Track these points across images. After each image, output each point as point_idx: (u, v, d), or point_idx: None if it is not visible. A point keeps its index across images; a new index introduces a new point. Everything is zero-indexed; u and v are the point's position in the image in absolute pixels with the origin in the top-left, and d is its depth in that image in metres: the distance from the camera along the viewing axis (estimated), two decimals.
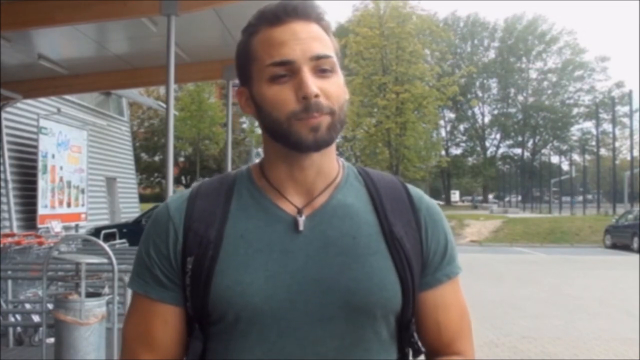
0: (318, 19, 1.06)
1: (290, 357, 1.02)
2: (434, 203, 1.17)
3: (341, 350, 1.03)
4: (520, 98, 60.20)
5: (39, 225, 11.83)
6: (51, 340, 4.93)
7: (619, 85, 55.44)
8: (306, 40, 1.03)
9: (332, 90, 1.03)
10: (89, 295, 4.43)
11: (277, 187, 1.09)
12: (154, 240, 1.10)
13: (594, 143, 45.00)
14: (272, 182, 1.09)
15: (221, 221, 1.06)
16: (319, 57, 1.02)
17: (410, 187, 1.17)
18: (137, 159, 28.86)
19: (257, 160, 1.17)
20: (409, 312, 1.09)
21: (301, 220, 1.06)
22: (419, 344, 1.12)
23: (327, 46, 1.05)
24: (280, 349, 1.02)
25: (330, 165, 1.10)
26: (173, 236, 1.08)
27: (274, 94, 1.02)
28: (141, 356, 1.08)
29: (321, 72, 1.03)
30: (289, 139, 1.03)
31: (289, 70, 1.02)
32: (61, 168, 13.12)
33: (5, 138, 11.84)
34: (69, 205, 13.52)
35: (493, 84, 59.91)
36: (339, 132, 1.06)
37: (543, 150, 59.35)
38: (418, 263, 1.09)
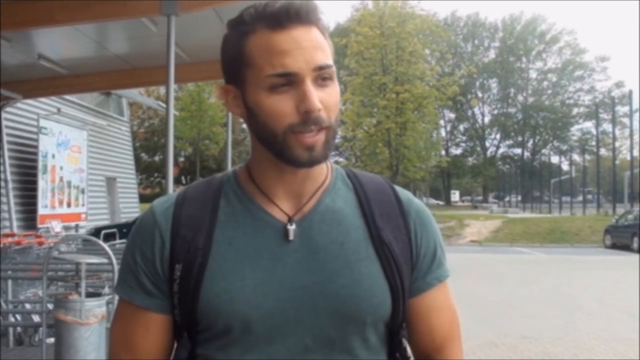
0: (317, 22, 1.02)
1: None
2: (424, 206, 1.16)
3: (331, 358, 1.02)
4: (520, 98, 60.25)
5: (39, 225, 11.83)
6: (51, 340, 4.93)
7: (619, 85, 55.53)
8: (309, 49, 0.99)
9: (331, 101, 1.01)
10: (89, 295, 4.42)
11: (265, 191, 1.07)
12: (139, 246, 1.08)
13: (594, 143, 45.02)
14: (261, 187, 1.07)
15: (209, 227, 1.05)
16: (321, 68, 0.99)
17: (399, 189, 1.15)
18: (137, 159, 28.85)
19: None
20: (399, 318, 1.08)
21: (292, 229, 1.04)
22: (408, 350, 1.12)
23: (327, 54, 1.02)
24: (270, 357, 1.01)
25: (320, 170, 1.09)
26: (159, 242, 1.06)
27: (272, 104, 0.99)
28: None
29: (322, 82, 1.00)
30: (282, 153, 1.01)
31: (290, 81, 0.98)
32: (61, 168, 13.12)
33: (5, 138, 11.84)
34: (69, 205, 13.52)
35: (493, 84, 59.98)
36: (333, 147, 1.04)
37: (543, 150, 59.39)
38: (408, 267, 1.08)
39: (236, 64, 1.03)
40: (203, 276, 1.01)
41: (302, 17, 0.99)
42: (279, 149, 1.01)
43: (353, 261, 1.04)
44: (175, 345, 1.09)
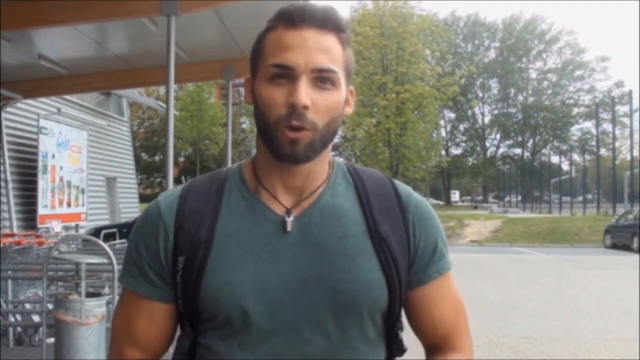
0: (337, 30, 1.05)
1: (279, 357, 1.03)
2: (423, 200, 1.17)
3: (329, 350, 1.04)
4: (520, 98, 60.22)
5: (39, 225, 11.83)
6: (51, 340, 4.92)
7: (618, 85, 55.52)
8: (312, 49, 1.02)
9: (325, 104, 1.02)
10: (89, 295, 4.42)
11: (268, 187, 1.09)
12: (144, 237, 1.10)
13: (594, 143, 45.00)
14: (264, 182, 1.10)
15: (212, 221, 1.07)
16: (321, 70, 1.02)
17: (399, 184, 1.16)
18: (137, 159, 28.83)
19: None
20: (396, 311, 1.10)
21: (289, 220, 1.06)
22: (403, 342, 1.14)
23: (334, 59, 1.04)
24: (269, 349, 1.03)
25: (322, 169, 1.11)
26: (163, 235, 1.08)
27: (268, 94, 1.03)
28: (125, 349, 1.12)
29: (321, 84, 1.02)
30: (272, 145, 1.04)
31: (289, 76, 1.02)
32: (61, 168, 13.12)
33: (5, 138, 11.83)
34: (69, 205, 13.52)
35: (493, 84, 59.95)
36: (319, 151, 1.05)
37: (543, 150, 59.37)
38: (405, 261, 1.10)
39: (255, 55, 1.08)
40: (205, 269, 1.04)
41: (316, 19, 1.03)
42: (270, 140, 1.04)
43: (351, 256, 1.06)
44: (179, 334, 1.12)
